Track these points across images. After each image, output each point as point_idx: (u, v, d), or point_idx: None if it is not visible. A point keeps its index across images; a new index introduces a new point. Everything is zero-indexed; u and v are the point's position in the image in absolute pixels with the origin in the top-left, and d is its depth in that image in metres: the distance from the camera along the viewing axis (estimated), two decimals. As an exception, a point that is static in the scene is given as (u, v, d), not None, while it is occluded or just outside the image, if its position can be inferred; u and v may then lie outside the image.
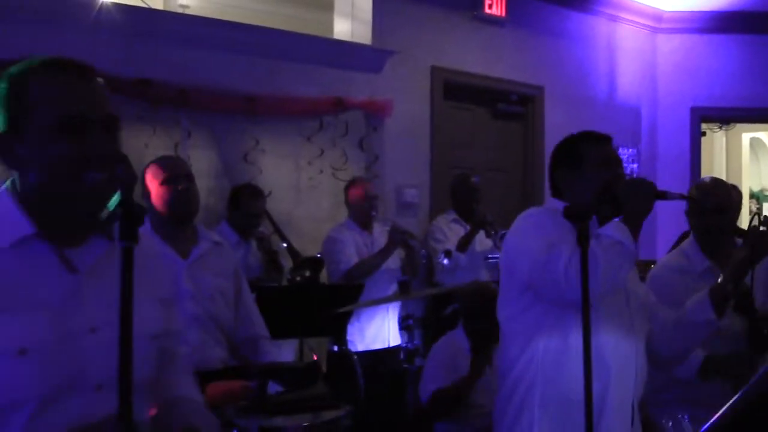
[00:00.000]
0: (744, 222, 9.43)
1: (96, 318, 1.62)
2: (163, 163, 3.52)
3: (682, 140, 8.57)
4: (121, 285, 1.38)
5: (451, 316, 4.59)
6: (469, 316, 4.36)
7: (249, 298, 3.68)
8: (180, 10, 6.34)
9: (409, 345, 3.84)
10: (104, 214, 1.47)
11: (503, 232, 5.69)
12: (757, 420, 2.15)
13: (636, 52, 8.43)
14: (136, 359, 1.64)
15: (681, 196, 2.74)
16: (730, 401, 2.11)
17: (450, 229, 5.85)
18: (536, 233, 2.68)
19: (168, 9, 5.17)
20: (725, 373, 3.26)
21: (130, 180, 1.80)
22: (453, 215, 5.94)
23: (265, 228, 5.07)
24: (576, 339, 2.42)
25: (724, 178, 9.69)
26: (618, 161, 2.90)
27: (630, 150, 8.25)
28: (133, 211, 1.43)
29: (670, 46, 8.63)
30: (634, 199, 2.65)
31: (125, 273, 1.39)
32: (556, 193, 2.93)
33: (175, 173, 3.42)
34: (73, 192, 1.61)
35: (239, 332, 3.56)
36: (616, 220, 2.59)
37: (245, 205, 4.92)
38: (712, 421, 2.11)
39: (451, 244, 5.70)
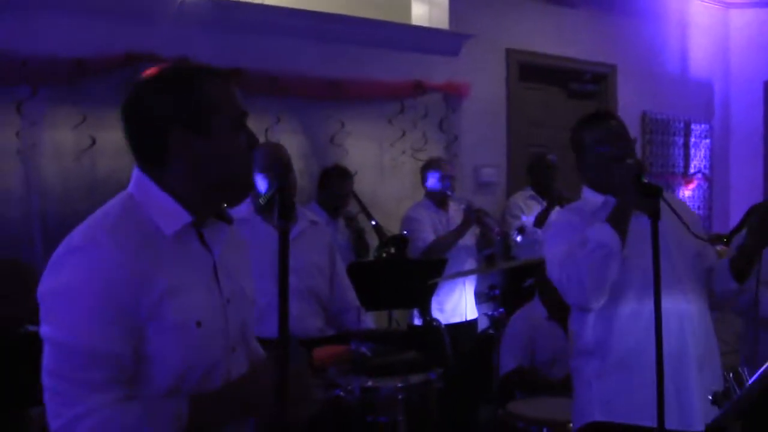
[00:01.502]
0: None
1: (227, 291, 1.86)
2: (264, 151, 3.72)
3: (756, 115, 8.54)
4: (279, 256, 1.62)
5: (529, 289, 4.81)
6: (545, 287, 4.60)
7: (343, 271, 3.98)
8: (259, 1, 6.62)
9: (495, 313, 4.07)
10: (263, 200, 1.77)
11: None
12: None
13: (708, 28, 8.46)
14: (250, 320, 1.99)
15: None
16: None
17: (527, 206, 6.05)
18: (553, 241, 2.89)
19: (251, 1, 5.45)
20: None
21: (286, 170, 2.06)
22: (530, 192, 6.13)
23: (352, 207, 5.34)
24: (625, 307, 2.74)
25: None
26: (617, 136, 2.94)
27: (703, 125, 8.30)
28: (288, 197, 1.68)
29: (742, 20, 8.62)
30: (620, 185, 2.75)
31: (283, 247, 1.63)
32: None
33: (273, 162, 3.65)
34: (245, 178, 1.87)
35: (335, 303, 3.87)
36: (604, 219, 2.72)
37: (334, 186, 5.18)
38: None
39: (529, 220, 5.91)
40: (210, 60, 4.83)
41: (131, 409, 1.63)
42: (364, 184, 5.64)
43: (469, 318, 5.56)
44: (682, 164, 8.15)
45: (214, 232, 1.87)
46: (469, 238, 5.51)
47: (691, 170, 8.24)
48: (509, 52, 6.72)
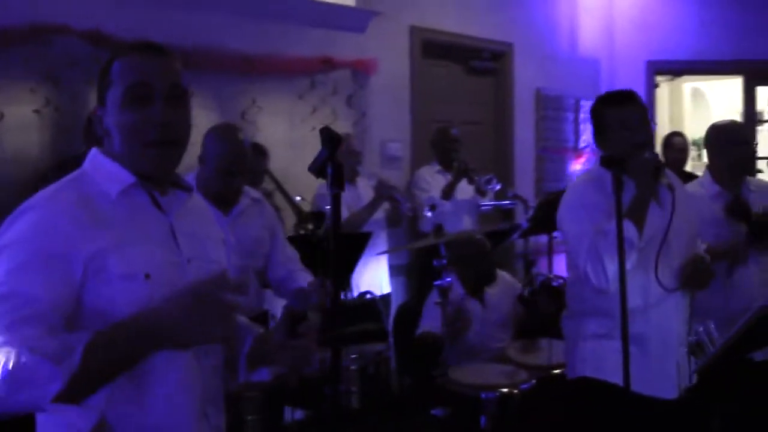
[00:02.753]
0: (689, 167, 9.95)
1: (188, 251, 1.95)
2: (228, 150, 3.72)
3: (638, 91, 8.84)
4: (332, 223, 1.95)
5: (438, 268, 4.90)
6: (460, 263, 4.74)
7: (284, 240, 4.00)
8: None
9: (442, 282, 4.13)
10: (312, 166, 1.89)
11: (486, 177, 6.06)
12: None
13: (595, 9, 8.79)
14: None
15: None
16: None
17: (433, 179, 6.18)
18: (576, 218, 3.05)
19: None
20: (724, 257, 3.74)
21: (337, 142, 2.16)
22: (436, 167, 6.27)
23: (267, 185, 5.34)
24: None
25: (667, 126, 10.21)
26: (637, 128, 3.10)
27: (590, 101, 8.54)
28: (339, 165, 1.93)
29: (627, 2, 8.99)
30: (639, 178, 2.96)
31: (335, 213, 1.96)
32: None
33: (235, 169, 3.70)
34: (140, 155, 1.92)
35: (277, 271, 3.89)
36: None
37: (249, 163, 5.15)
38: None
39: (435, 193, 6.04)
40: (120, 33, 4.84)
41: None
42: (276, 161, 5.64)
43: (384, 292, 5.65)
44: (573, 139, 8.45)
45: (171, 199, 1.98)
46: (378, 213, 5.59)
47: (581, 144, 8.55)
48: (413, 30, 6.81)
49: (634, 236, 2.86)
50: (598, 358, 3.06)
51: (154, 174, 1.93)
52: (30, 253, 1.71)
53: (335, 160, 1.82)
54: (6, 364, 1.52)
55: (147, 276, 1.81)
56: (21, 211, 1.79)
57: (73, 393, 1.55)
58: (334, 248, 2.90)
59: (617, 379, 2.79)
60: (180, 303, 1.60)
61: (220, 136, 3.70)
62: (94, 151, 1.97)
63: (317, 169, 1.94)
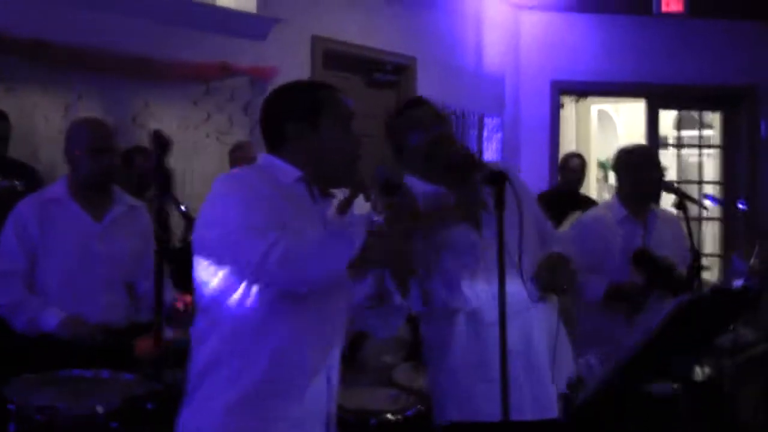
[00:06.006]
0: (591, 189, 10.09)
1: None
2: (91, 129, 3.61)
3: (543, 112, 9.02)
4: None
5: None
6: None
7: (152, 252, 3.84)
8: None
9: None
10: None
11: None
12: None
13: (501, 26, 8.80)
14: None
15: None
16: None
17: (329, 192, 6.11)
18: None
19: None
20: (625, 299, 3.76)
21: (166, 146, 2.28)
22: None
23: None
24: None
25: (574, 147, 10.35)
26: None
27: (495, 119, 8.62)
28: (167, 171, 2.24)
29: (532, 21, 9.04)
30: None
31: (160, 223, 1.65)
32: None
33: (103, 145, 3.54)
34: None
35: (142, 284, 3.61)
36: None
37: (138, 167, 5.03)
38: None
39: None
40: (10, 29, 4.67)
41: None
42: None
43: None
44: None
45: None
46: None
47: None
48: (315, 39, 6.75)
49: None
50: (461, 398, 2.91)
51: None
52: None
53: (163, 165, 1.73)
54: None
55: None
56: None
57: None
58: (159, 259, 2.84)
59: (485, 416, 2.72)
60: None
61: (77, 123, 3.65)
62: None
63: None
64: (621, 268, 3.89)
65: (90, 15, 5.22)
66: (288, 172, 2.37)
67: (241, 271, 2.20)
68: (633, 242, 3.94)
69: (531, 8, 9.02)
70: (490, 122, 8.55)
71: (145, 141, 5.40)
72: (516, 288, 2.71)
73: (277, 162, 2.40)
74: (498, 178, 2.49)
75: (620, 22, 9.09)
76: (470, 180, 2.87)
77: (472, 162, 2.92)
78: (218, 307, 2.26)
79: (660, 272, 3.73)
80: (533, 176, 8.66)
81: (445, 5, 8.07)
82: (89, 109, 5.18)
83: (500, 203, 2.45)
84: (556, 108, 9.19)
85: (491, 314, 2.63)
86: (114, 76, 5.33)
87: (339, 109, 2.47)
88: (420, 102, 3.11)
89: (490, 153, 8.57)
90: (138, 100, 5.53)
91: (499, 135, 8.71)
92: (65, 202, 3.52)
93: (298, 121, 2.39)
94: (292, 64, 6.55)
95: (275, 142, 2.44)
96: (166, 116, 5.68)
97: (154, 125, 5.54)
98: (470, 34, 8.43)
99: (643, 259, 3.79)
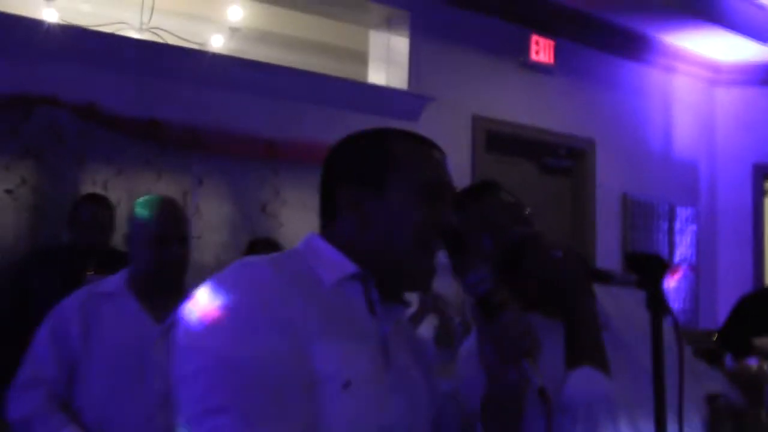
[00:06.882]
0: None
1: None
2: (156, 213, 2.96)
3: (744, 199, 8.10)
4: None
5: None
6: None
7: None
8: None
9: None
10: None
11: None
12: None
13: (693, 105, 7.98)
14: None
15: None
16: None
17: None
18: None
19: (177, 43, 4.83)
20: None
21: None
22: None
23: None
24: None
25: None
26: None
27: (688, 209, 7.77)
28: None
29: (729, 98, 8.17)
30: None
31: None
32: None
33: (167, 233, 2.88)
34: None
35: None
36: None
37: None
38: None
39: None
40: (122, 107, 4.22)
41: None
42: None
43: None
44: (666, 252, 7.54)
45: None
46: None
47: (677, 258, 7.61)
48: (476, 119, 6.08)
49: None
50: None
51: None
52: None
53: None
54: None
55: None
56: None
57: None
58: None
59: None
60: None
61: (143, 205, 2.89)
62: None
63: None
64: None
65: (206, 94, 4.76)
66: (336, 264, 1.56)
67: None
68: None
69: (728, 84, 8.14)
70: (682, 213, 7.70)
71: (275, 233, 4.80)
72: None
73: (324, 248, 1.60)
74: (657, 303, 1.53)
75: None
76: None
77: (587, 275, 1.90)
78: None
79: None
80: (734, 275, 7.95)
81: (627, 80, 7.33)
82: (210, 195, 4.65)
83: (658, 339, 1.52)
84: (759, 195, 8.22)
85: None
86: (240, 159, 4.78)
87: (423, 165, 1.60)
88: (491, 188, 2.11)
89: (683, 248, 7.70)
90: (268, 187, 4.95)
91: (694, 227, 7.84)
92: (121, 296, 2.81)
93: (355, 183, 1.58)
94: (450, 147, 5.73)
95: (326, 215, 1.67)
96: (300, 205, 5.06)
97: (286, 215, 4.98)
98: (657, 114, 7.62)
99: None
